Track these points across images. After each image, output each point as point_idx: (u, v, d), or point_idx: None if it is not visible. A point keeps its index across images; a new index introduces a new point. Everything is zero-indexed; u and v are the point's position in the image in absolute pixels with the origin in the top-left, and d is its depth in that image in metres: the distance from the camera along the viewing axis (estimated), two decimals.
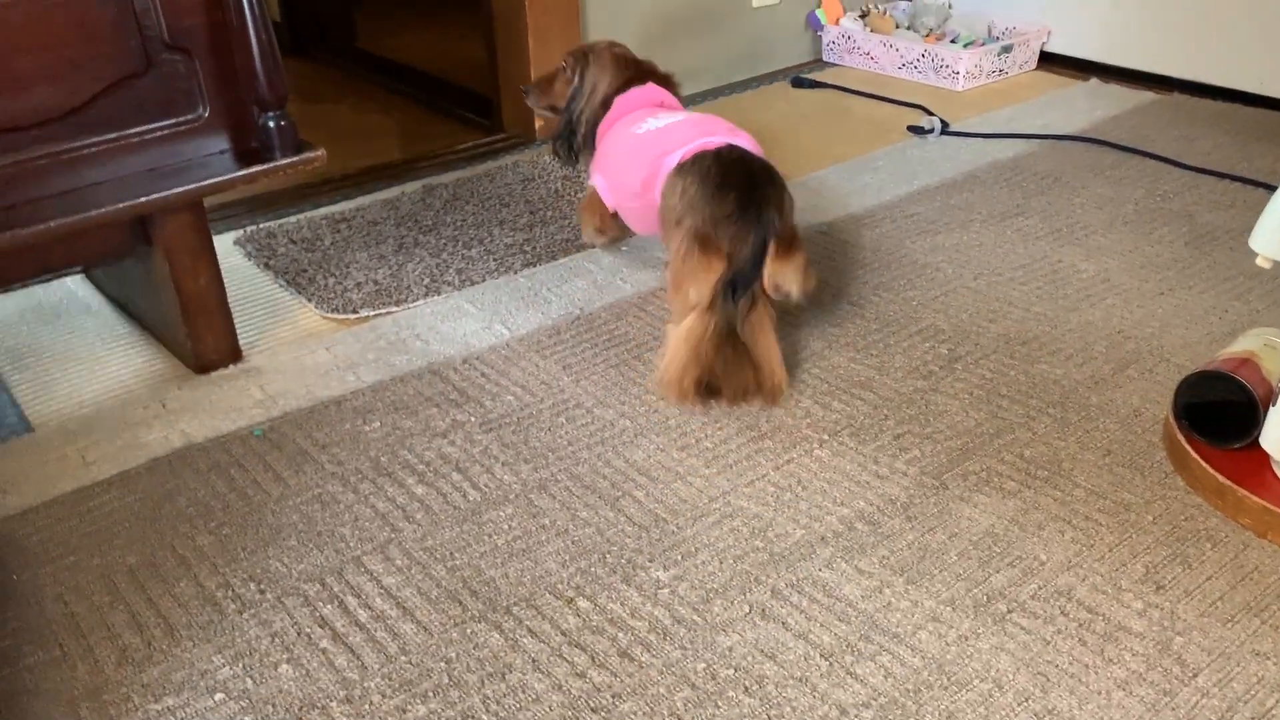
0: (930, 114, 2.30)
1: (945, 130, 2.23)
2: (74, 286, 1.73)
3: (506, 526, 1.17)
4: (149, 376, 1.48)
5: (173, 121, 1.37)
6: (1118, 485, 1.20)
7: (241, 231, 1.86)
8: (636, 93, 1.63)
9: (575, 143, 1.68)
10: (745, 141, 1.46)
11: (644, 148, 1.52)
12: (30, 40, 1.23)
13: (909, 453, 1.26)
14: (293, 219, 1.90)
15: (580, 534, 1.15)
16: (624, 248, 1.79)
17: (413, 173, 2.11)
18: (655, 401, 1.38)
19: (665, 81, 1.68)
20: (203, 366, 1.46)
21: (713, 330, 1.30)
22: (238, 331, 1.50)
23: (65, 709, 0.97)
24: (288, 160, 1.40)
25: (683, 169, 1.41)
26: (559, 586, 1.08)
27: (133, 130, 1.34)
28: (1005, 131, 2.22)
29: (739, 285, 1.30)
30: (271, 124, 1.39)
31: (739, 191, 1.33)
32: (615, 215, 1.63)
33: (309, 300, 1.64)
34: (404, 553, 1.13)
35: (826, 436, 1.30)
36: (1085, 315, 1.54)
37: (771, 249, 1.31)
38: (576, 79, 1.67)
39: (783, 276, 1.33)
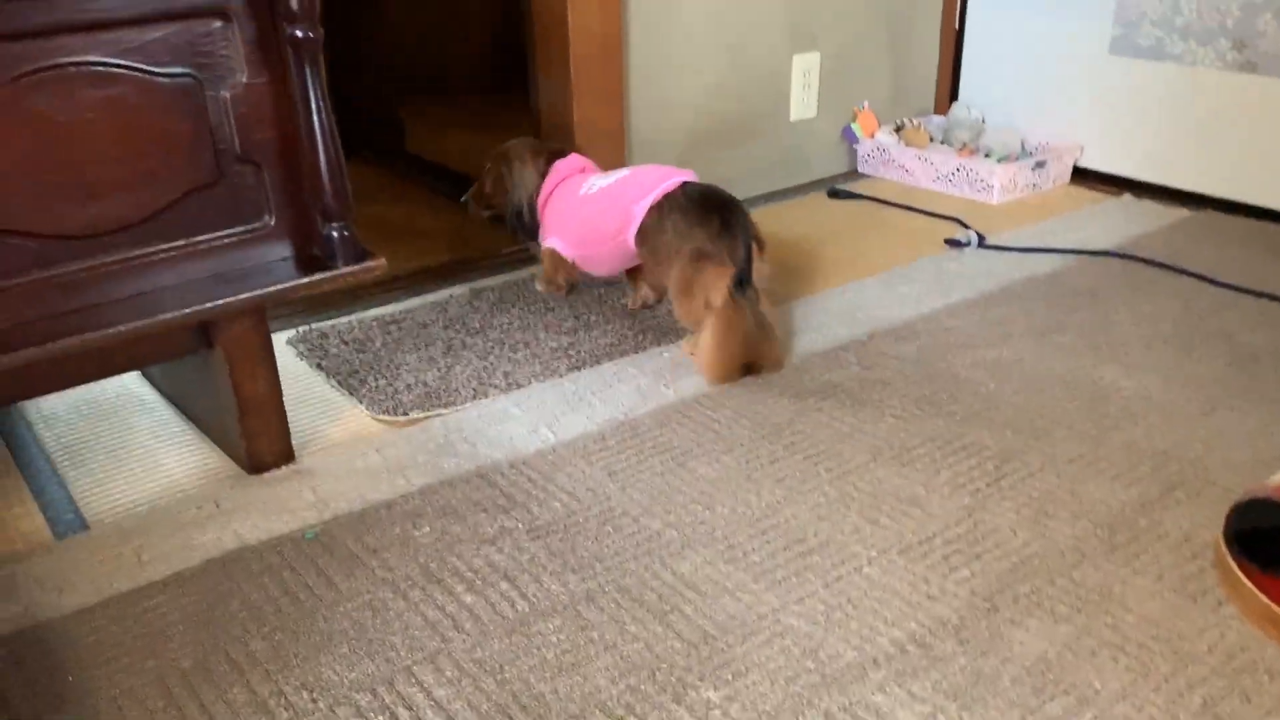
0: (966, 226, 2.34)
1: (982, 243, 2.27)
2: (129, 382, 1.77)
3: (555, 639, 1.17)
4: (203, 475, 1.50)
5: (240, 229, 1.42)
6: (1170, 612, 1.19)
7: (295, 331, 1.90)
8: (562, 163, 1.98)
9: (525, 220, 2.00)
10: (691, 176, 1.78)
11: (607, 202, 1.83)
12: (115, 152, 1.29)
13: (958, 572, 1.26)
14: (345, 320, 1.95)
15: (629, 649, 1.15)
16: (665, 353, 1.82)
17: (461, 275, 2.17)
18: (701, 511, 1.39)
19: (578, 151, 2.05)
20: (256, 467, 1.49)
21: (749, 318, 1.65)
22: (290, 432, 1.53)
23: None
24: (349, 269, 1.45)
25: (661, 210, 1.73)
26: (609, 704, 1.08)
27: (201, 237, 1.39)
28: (1041, 246, 2.26)
29: (743, 281, 1.65)
30: (335, 234, 1.44)
31: (717, 214, 1.68)
32: (575, 264, 1.97)
33: (360, 401, 1.68)
34: (454, 664, 1.14)
35: (875, 553, 1.30)
36: (1128, 434, 1.55)
37: (755, 249, 1.67)
38: (508, 177, 2.01)
39: (762, 267, 1.69)
